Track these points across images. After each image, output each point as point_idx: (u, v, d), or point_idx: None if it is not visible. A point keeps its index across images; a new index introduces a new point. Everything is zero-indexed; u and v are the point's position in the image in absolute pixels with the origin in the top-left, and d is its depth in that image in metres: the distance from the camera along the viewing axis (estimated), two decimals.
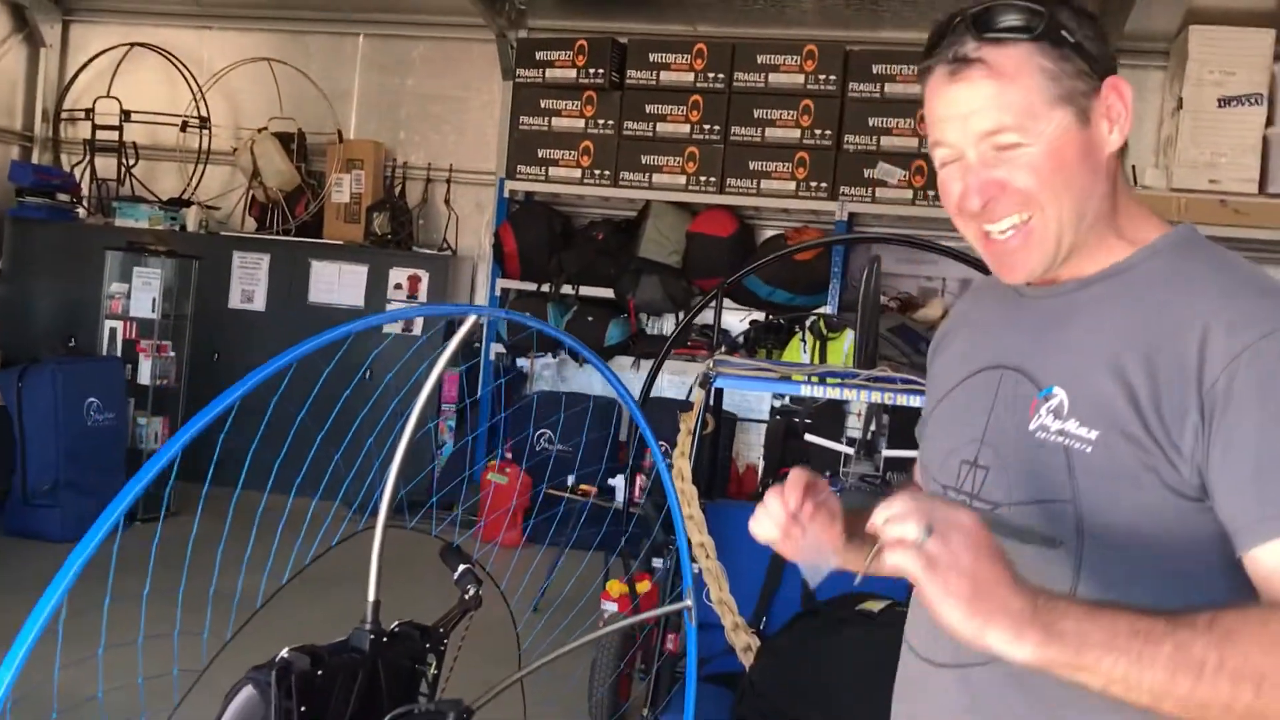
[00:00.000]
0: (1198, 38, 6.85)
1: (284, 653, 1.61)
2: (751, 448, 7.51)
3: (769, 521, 1.28)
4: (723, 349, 6.46)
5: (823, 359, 6.74)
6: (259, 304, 8.35)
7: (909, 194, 7.20)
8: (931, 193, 7.14)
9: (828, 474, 4.59)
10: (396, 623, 1.82)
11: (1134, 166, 7.14)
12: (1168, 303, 1.24)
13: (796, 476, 1.28)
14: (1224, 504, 1.16)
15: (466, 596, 1.91)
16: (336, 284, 8.29)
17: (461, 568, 1.94)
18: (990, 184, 1.26)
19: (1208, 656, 1.05)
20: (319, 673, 1.63)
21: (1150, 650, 1.05)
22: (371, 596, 1.77)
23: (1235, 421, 1.15)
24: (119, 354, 7.22)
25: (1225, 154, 6.78)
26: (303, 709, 1.60)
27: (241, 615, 1.96)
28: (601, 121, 7.68)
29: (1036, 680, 1.18)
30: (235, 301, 8.35)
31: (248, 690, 1.60)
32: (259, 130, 8.52)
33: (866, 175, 7.24)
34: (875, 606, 3.39)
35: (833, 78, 7.26)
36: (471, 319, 1.72)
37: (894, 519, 1.07)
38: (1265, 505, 1.13)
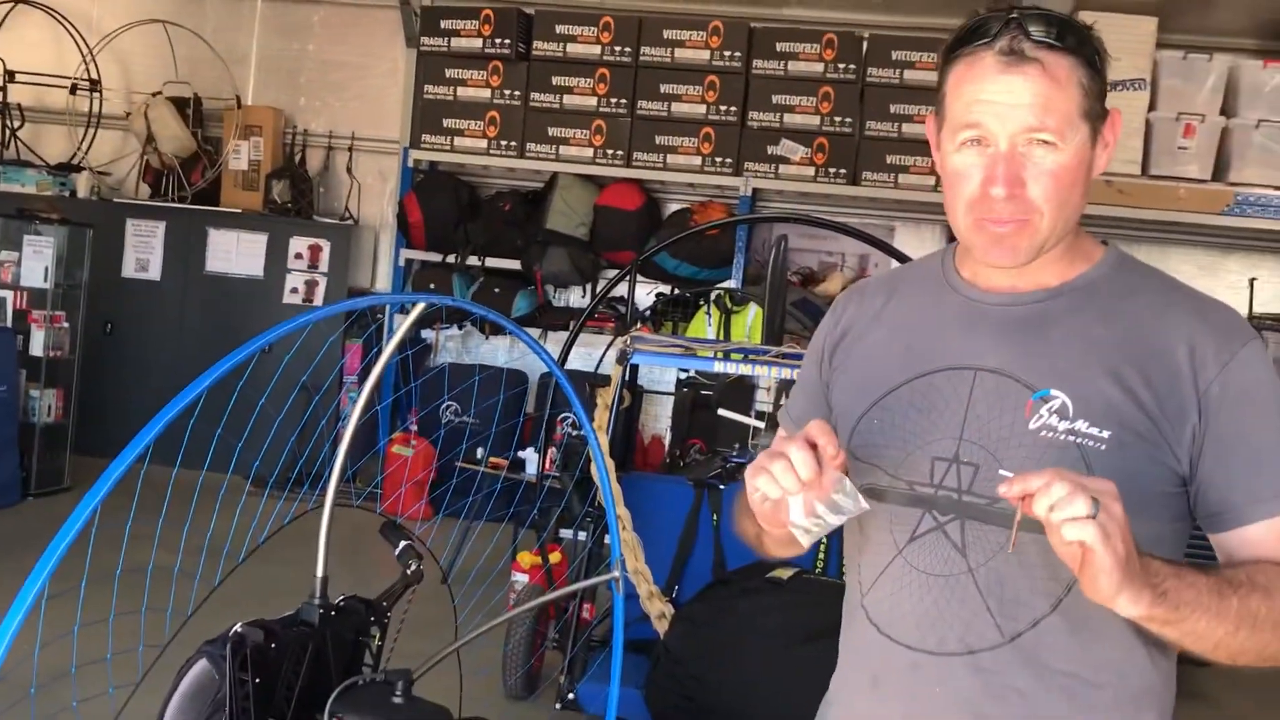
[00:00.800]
0: (1085, 22, 7.12)
1: (237, 626, 1.65)
2: (658, 419, 7.63)
3: (790, 477, 1.28)
4: (638, 326, 6.54)
5: (727, 332, 6.88)
6: (154, 273, 8.17)
7: (810, 171, 7.35)
8: (833, 169, 7.31)
9: (737, 446, 4.72)
10: (342, 597, 1.87)
11: None
12: (1142, 314, 1.41)
13: (823, 427, 1.30)
14: (1215, 491, 1.36)
15: (408, 571, 1.96)
16: (234, 253, 8.16)
17: (402, 544, 1.99)
18: (1016, 179, 1.35)
19: (1260, 608, 1.26)
20: (271, 645, 1.67)
21: (1223, 606, 1.24)
22: (320, 572, 1.81)
23: (1230, 422, 1.35)
24: (9, 324, 7.00)
25: None
26: (255, 680, 1.65)
27: (193, 589, 1.98)
28: (508, 92, 7.66)
29: (1042, 658, 1.38)
30: (130, 270, 8.15)
31: (202, 664, 1.63)
32: (153, 94, 8.29)
33: (770, 152, 7.37)
34: (784, 575, 3.53)
35: (738, 54, 7.36)
36: (419, 307, 1.76)
37: (1060, 502, 1.15)
38: (1252, 492, 1.35)
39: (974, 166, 1.38)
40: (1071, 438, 1.36)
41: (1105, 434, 1.35)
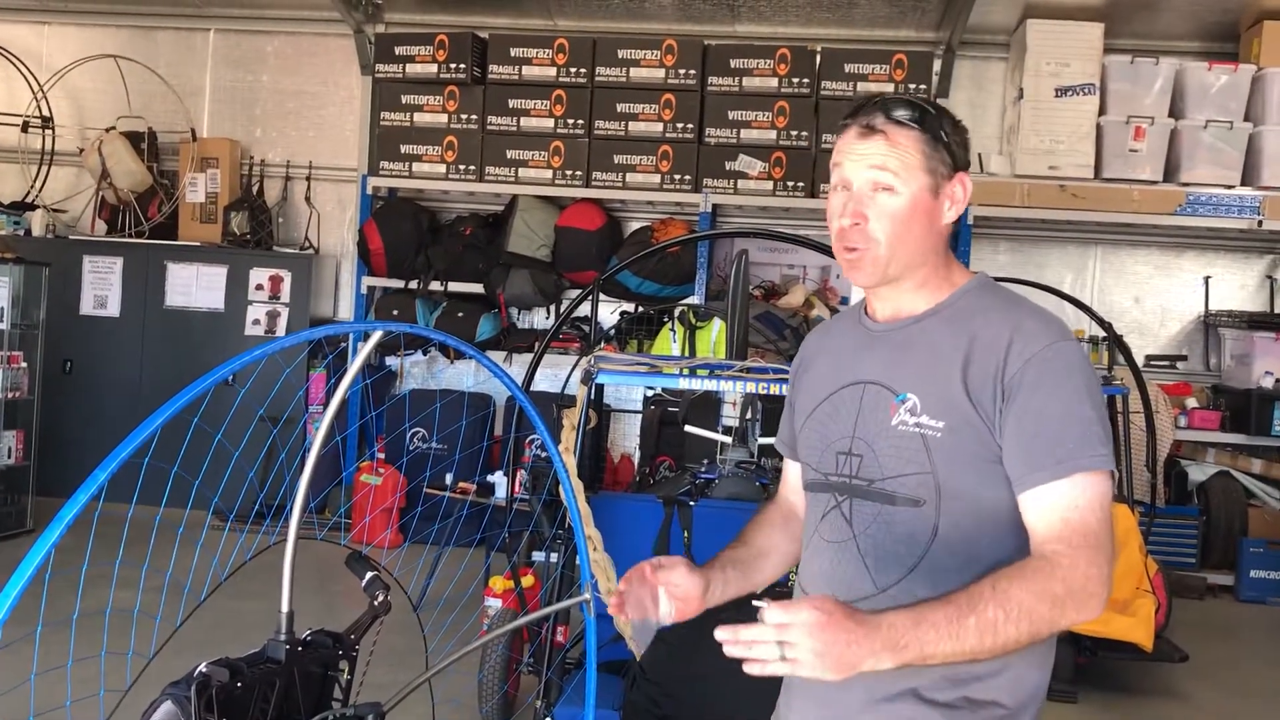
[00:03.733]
0: (1035, 31, 7.22)
1: (202, 666, 1.63)
2: (626, 438, 7.63)
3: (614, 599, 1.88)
4: (601, 345, 6.54)
5: (692, 348, 6.88)
6: (113, 309, 8.08)
7: (769, 185, 7.39)
8: (790, 183, 7.36)
9: (705, 461, 4.72)
10: (309, 631, 1.85)
11: (979, 154, 7.49)
12: (979, 327, 1.75)
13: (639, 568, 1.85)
14: (1007, 463, 1.68)
15: (376, 603, 1.94)
16: (194, 286, 8.09)
17: (369, 575, 1.97)
18: (860, 214, 1.78)
19: (997, 615, 1.53)
20: (237, 684, 1.65)
21: (961, 629, 1.52)
22: (285, 608, 1.79)
23: (1019, 403, 1.67)
24: None
25: (1063, 141, 7.17)
26: None
27: (154, 630, 1.95)
28: (465, 117, 7.66)
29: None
30: (88, 308, 8.07)
31: (167, 706, 1.60)
32: (107, 130, 8.23)
33: (728, 167, 7.41)
34: (757, 591, 3.53)
35: (692, 72, 7.40)
36: (376, 334, 1.75)
37: (752, 654, 1.45)
38: (1030, 463, 1.65)
39: (837, 202, 1.82)
40: (917, 429, 1.73)
41: (941, 424, 1.71)
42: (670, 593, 1.85)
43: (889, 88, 7.24)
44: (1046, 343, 1.70)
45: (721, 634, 1.48)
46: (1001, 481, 1.69)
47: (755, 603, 1.49)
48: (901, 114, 1.77)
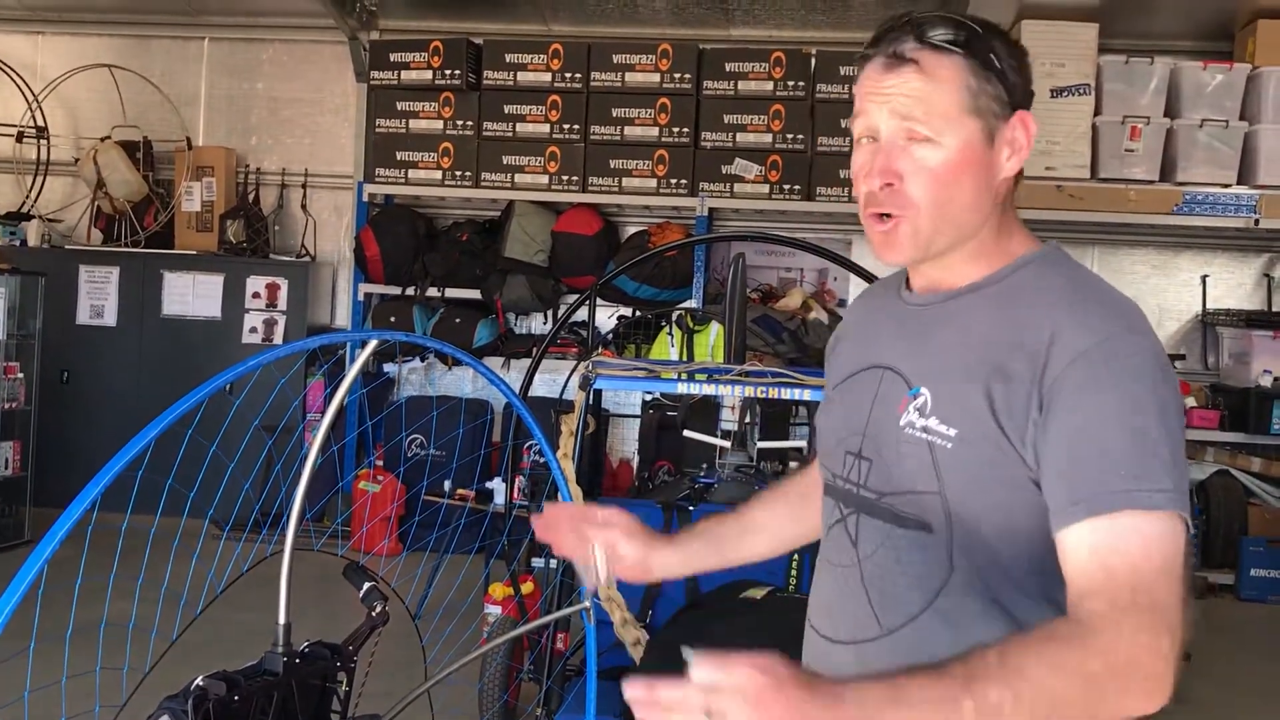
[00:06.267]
0: (1029, 31, 7.21)
1: (199, 680, 1.62)
2: (625, 443, 7.62)
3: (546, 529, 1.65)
4: (600, 350, 6.52)
5: (690, 352, 6.88)
6: (109, 319, 8.07)
7: (765, 188, 7.38)
8: (787, 186, 7.35)
9: (705, 466, 4.71)
10: (306, 643, 1.84)
11: None
12: (1022, 313, 1.36)
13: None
14: (1045, 490, 1.29)
15: (374, 614, 1.93)
16: (191, 295, 8.08)
17: (366, 585, 1.96)
18: (890, 171, 1.38)
19: (1004, 697, 1.12)
20: (235, 698, 1.64)
21: (952, 714, 1.11)
22: (282, 619, 1.78)
23: (1060, 414, 1.28)
24: None
25: (1059, 142, 7.16)
26: None
27: (150, 643, 1.93)
28: (460, 122, 7.66)
29: (918, 654, 1.29)
30: (84, 317, 8.05)
31: None
32: (102, 139, 8.22)
33: (724, 171, 7.40)
34: (758, 594, 3.52)
35: (687, 76, 7.40)
36: (372, 343, 1.74)
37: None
38: (1071, 492, 1.25)
39: (863, 156, 1.42)
40: (924, 435, 1.37)
41: (952, 431, 1.35)
42: (609, 554, 1.58)
43: None
44: (1103, 336, 1.29)
45: (632, 691, 1.12)
46: (1023, 513, 1.32)
47: (684, 651, 1.14)
48: (940, 34, 1.37)
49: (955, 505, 1.34)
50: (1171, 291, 7.93)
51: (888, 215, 1.39)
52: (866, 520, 1.43)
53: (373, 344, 1.75)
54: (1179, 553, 1.23)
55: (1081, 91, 7.14)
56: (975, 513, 1.33)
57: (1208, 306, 7.78)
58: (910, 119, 1.37)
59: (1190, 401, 7.34)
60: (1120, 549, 1.22)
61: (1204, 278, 7.81)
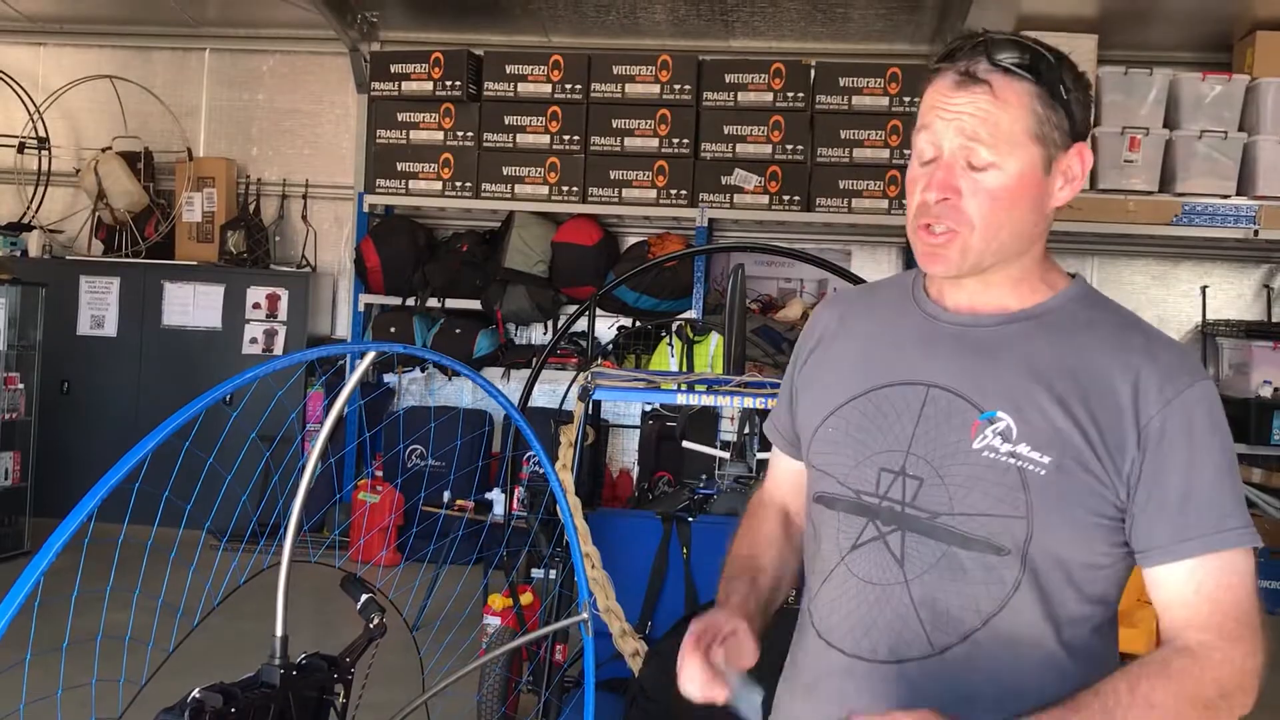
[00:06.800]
0: None
1: (195, 692, 1.62)
2: (625, 453, 7.61)
3: (694, 686, 1.45)
4: (599, 360, 6.52)
5: (690, 362, 6.89)
6: (110, 329, 8.08)
7: (765, 199, 7.39)
8: (787, 196, 7.36)
9: (704, 476, 4.71)
10: (304, 655, 1.84)
11: None
12: (1092, 347, 1.43)
13: (690, 640, 1.47)
14: (1142, 527, 1.39)
15: (371, 626, 1.93)
16: (191, 305, 8.08)
17: (364, 597, 1.96)
18: (950, 187, 1.42)
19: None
20: (231, 710, 1.64)
21: None
22: (279, 631, 1.78)
23: (1164, 457, 1.37)
24: None
25: None
26: None
27: (145, 656, 1.93)
28: (461, 134, 7.67)
29: (969, 672, 1.41)
30: (85, 328, 8.06)
31: None
32: (103, 150, 8.24)
33: (724, 182, 7.41)
34: None
35: (687, 87, 7.41)
36: (370, 355, 1.75)
37: None
38: (1181, 530, 1.37)
39: (921, 177, 1.45)
40: (1013, 460, 1.39)
41: (1046, 459, 1.38)
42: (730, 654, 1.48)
43: (884, 101, 7.27)
44: (1189, 382, 1.39)
45: None
46: (1100, 541, 1.40)
47: (844, 710, 1.29)
48: (1011, 59, 1.40)
49: (1039, 529, 1.38)
50: (1171, 302, 7.93)
51: (942, 229, 1.43)
52: (918, 540, 1.44)
53: (370, 356, 1.75)
54: (1256, 578, 1.38)
55: None
56: (1054, 537, 1.39)
57: (1207, 317, 7.79)
58: (975, 140, 1.40)
59: None
60: (1225, 583, 1.36)
61: (1203, 288, 7.82)
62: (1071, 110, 1.43)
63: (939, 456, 1.43)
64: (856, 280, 4.88)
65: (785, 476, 1.73)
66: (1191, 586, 1.37)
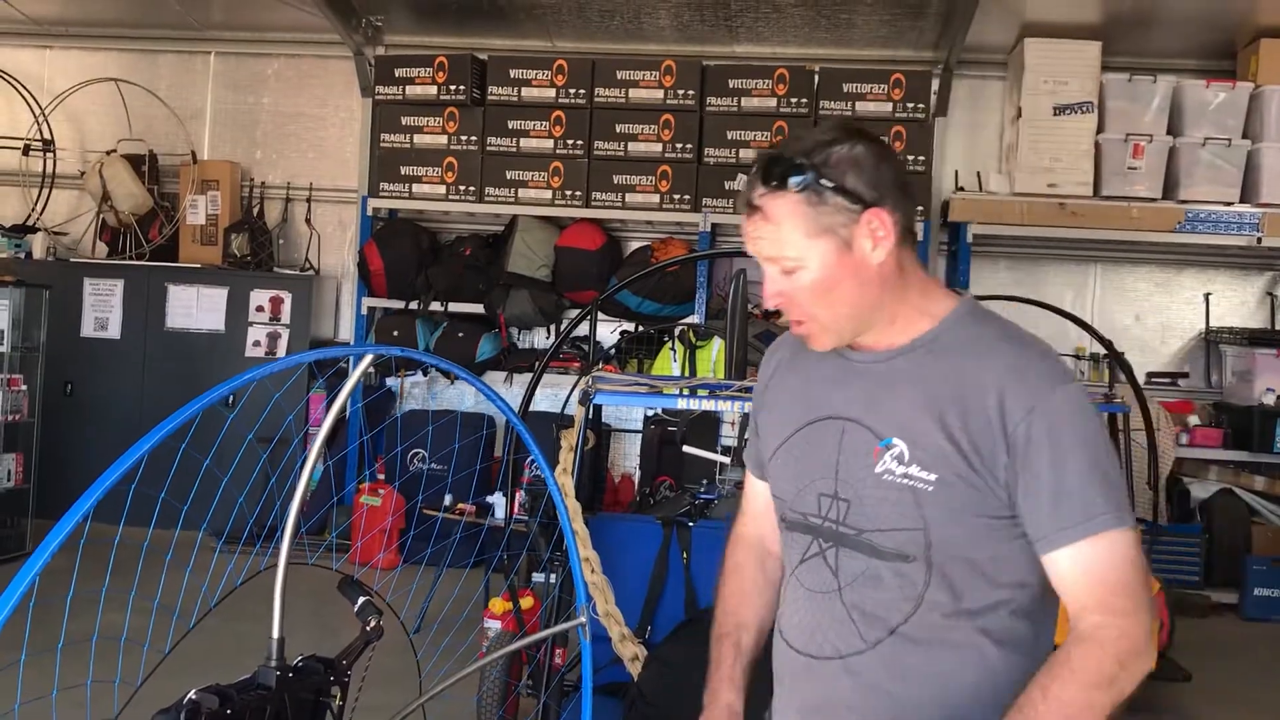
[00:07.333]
0: (1032, 50, 7.23)
1: (191, 694, 1.62)
2: (627, 458, 7.61)
3: None
4: (601, 365, 6.52)
5: (692, 367, 6.88)
6: (114, 332, 8.09)
7: None
8: None
9: (705, 481, 4.71)
10: (300, 657, 1.84)
11: (978, 173, 7.49)
12: (968, 367, 1.62)
13: None
14: (1029, 521, 1.58)
15: (368, 628, 1.93)
16: (195, 308, 8.10)
17: (361, 599, 1.96)
18: (779, 295, 1.66)
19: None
20: (227, 712, 1.64)
21: None
22: (276, 633, 1.78)
23: (1034, 460, 1.56)
24: None
25: (1061, 159, 7.17)
26: None
27: (141, 657, 1.93)
28: (464, 138, 7.68)
29: (902, 662, 1.63)
30: (89, 330, 8.08)
31: None
32: (107, 153, 8.26)
33: (727, 187, 7.42)
34: None
35: (691, 92, 7.42)
36: (368, 358, 1.75)
37: None
38: (1058, 521, 1.55)
39: (765, 279, 1.68)
40: (906, 480, 1.61)
41: (933, 477, 1.59)
42: None
43: (887, 107, 7.27)
44: (1049, 389, 1.57)
45: None
46: (1002, 536, 1.60)
47: None
48: (774, 177, 1.59)
49: (936, 538, 1.60)
50: (1174, 309, 7.92)
51: (799, 322, 1.67)
52: (847, 553, 1.66)
53: (368, 358, 1.75)
54: (1141, 553, 1.57)
55: (1084, 109, 7.15)
56: (950, 542, 1.60)
57: (1211, 324, 7.78)
58: (772, 259, 1.63)
59: (1193, 420, 7.33)
60: (1107, 564, 1.54)
61: (1207, 295, 7.81)
62: (848, 190, 1.59)
63: (856, 481, 1.65)
64: None
65: (759, 503, 1.92)
66: (1080, 569, 1.55)
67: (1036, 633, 1.66)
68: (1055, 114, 7.17)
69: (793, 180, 1.59)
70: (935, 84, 7.58)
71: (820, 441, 1.70)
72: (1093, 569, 1.54)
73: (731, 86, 7.41)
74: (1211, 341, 7.80)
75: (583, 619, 2.22)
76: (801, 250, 1.60)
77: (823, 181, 1.58)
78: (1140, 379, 6.56)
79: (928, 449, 1.59)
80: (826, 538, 1.68)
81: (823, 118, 7.32)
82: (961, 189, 7.44)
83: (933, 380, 1.62)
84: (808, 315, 1.66)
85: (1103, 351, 6.35)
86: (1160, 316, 7.92)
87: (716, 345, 6.88)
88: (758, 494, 1.92)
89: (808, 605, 1.70)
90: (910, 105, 7.26)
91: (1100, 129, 7.15)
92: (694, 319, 7.43)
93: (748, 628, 1.89)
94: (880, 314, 1.66)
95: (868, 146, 1.62)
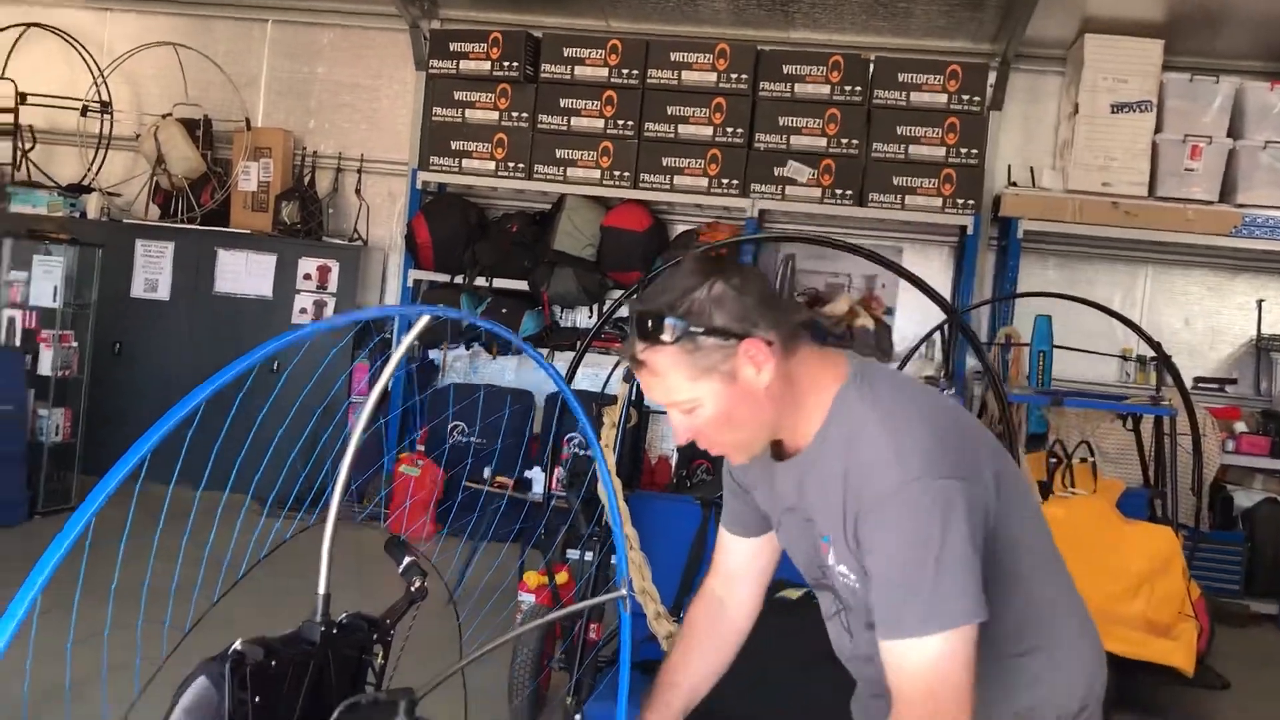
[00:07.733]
0: (1093, 45, 7.13)
1: (237, 644, 1.63)
2: (665, 439, 7.60)
3: None
4: None
5: None
6: (163, 293, 8.19)
7: (817, 192, 7.35)
8: (839, 191, 7.32)
9: None
10: (345, 614, 1.85)
11: (1032, 168, 7.41)
12: (844, 460, 1.70)
13: None
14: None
15: (412, 589, 1.94)
16: (244, 273, 8.18)
17: (406, 560, 1.97)
18: (688, 431, 1.76)
19: None
20: (272, 664, 1.66)
21: None
22: (322, 589, 1.79)
23: (866, 558, 1.67)
24: (18, 344, 7.02)
25: (1117, 158, 7.08)
26: (255, 699, 1.63)
27: (190, 607, 1.96)
28: (516, 114, 7.69)
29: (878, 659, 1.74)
30: (139, 290, 8.18)
31: (201, 681, 1.61)
32: (163, 116, 8.34)
33: (777, 173, 7.38)
34: (793, 594, 3.51)
35: (744, 77, 7.38)
36: (425, 319, 1.76)
37: None
38: (882, 619, 1.65)
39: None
40: (843, 577, 1.77)
41: (854, 576, 1.74)
42: None
43: (942, 99, 7.20)
44: (892, 492, 1.63)
45: None
46: None
47: None
48: (649, 333, 1.68)
49: (868, 608, 1.73)
50: (1225, 314, 7.80)
51: (715, 449, 1.79)
52: (851, 615, 1.86)
53: (424, 319, 1.76)
54: (957, 660, 1.59)
55: (1143, 108, 7.05)
56: (868, 607, 1.73)
57: (1263, 331, 7.66)
58: (668, 405, 1.73)
59: (1240, 427, 7.23)
60: (908, 669, 1.62)
61: (1260, 302, 7.69)
62: (717, 331, 1.66)
63: (829, 571, 1.81)
64: (909, 276, 4.83)
65: (731, 561, 2.07)
66: (891, 666, 1.65)
67: (1043, 646, 1.83)
68: (1113, 112, 7.08)
69: (664, 336, 1.67)
70: (992, 77, 7.49)
71: (801, 533, 1.85)
72: (892, 667, 1.64)
73: (785, 72, 7.37)
74: (1262, 349, 7.67)
75: (623, 591, 2.22)
76: (691, 393, 1.69)
77: (693, 329, 1.66)
78: (1187, 383, 6.47)
79: (841, 549, 1.73)
80: (839, 599, 1.86)
81: (876, 107, 7.26)
82: (1014, 184, 7.36)
83: (830, 478, 1.72)
84: (715, 444, 1.77)
85: (1150, 354, 6.27)
86: (1210, 321, 7.80)
87: None
88: (730, 552, 2.06)
89: (839, 643, 1.94)
90: (965, 97, 7.18)
91: (1158, 129, 7.05)
92: None
93: (678, 689, 2.05)
94: (782, 424, 1.76)
95: (725, 282, 1.68)
